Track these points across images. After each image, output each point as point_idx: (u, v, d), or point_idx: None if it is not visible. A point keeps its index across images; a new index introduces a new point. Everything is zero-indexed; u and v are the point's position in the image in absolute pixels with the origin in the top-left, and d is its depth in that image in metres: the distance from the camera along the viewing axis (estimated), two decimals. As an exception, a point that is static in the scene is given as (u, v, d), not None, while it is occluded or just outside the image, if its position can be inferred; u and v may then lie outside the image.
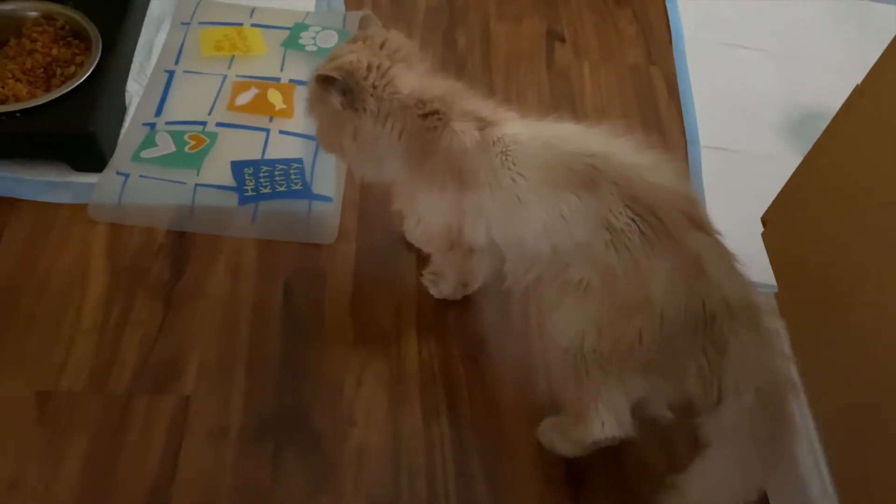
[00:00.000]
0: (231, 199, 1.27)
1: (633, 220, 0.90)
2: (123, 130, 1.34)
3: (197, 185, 1.28)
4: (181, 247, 1.23)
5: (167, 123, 1.35)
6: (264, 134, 1.36)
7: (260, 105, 1.39)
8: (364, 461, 1.06)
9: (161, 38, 1.49)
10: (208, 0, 1.56)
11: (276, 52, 1.49)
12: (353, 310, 1.21)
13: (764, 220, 1.16)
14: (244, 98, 1.40)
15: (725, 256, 0.94)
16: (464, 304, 1.23)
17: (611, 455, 1.09)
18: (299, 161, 1.33)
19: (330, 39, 1.52)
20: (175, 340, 1.13)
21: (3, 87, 1.27)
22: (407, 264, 1.27)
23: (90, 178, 1.27)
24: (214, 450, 1.04)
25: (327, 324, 1.19)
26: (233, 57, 1.47)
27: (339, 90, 1.01)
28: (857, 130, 0.97)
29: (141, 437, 1.04)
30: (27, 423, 1.03)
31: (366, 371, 1.14)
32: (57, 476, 0.99)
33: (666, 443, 1.10)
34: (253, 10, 1.55)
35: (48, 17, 1.37)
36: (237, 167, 1.30)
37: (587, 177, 0.93)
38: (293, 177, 1.31)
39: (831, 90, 1.63)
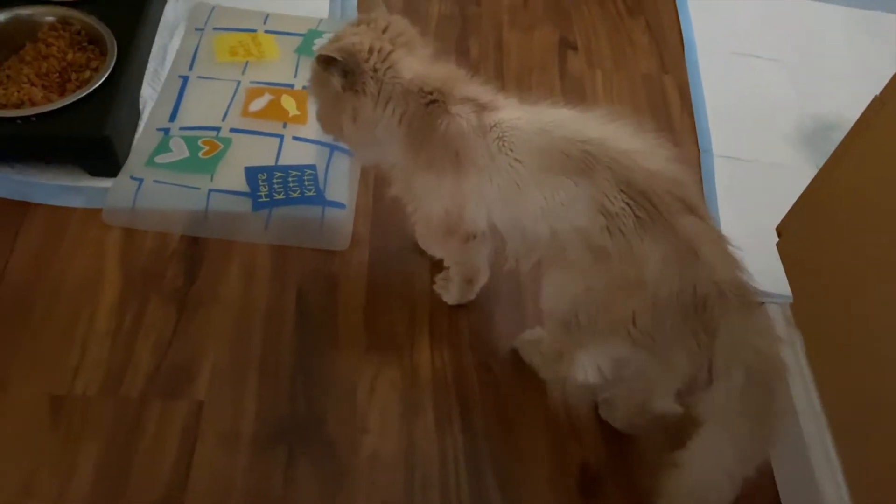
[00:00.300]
0: (245, 205, 1.27)
1: (627, 204, 0.92)
2: (138, 135, 1.35)
3: (211, 190, 1.28)
4: (195, 252, 1.23)
5: (181, 129, 1.36)
6: (278, 140, 1.36)
7: (274, 111, 1.40)
8: (377, 469, 1.06)
9: (175, 43, 1.50)
10: (222, 6, 1.57)
11: (289, 58, 1.49)
12: (366, 316, 1.20)
13: (779, 231, 1.16)
14: (258, 104, 1.40)
15: (717, 239, 0.95)
16: (477, 312, 1.23)
17: (624, 464, 1.09)
18: (313, 167, 1.33)
19: (343, 46, 1.53)
20: (188, 345, 1.13)
21: (18, 91, 1.28)
22: (420, 271, 1.26)
23: (104, 183, 1.27)
24: (227, 455, 1.04)
25: (340, 330, 1.18)
26: (247, 63, 1.47)
27: (339, 71, 1.01)
28: (875, 141, 0.97)
29: (154, 442, 1.04)
30: (41, 428, 1.03)
31: (379, 378, 1.14)
32: (70, 481, 0.99)
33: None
34: (267, 16, 1.56)
35: (64, 23, 1.38)
36: (251, 173, 1.31)
37: (582, 162, 0.94)
38: (307, 183, 1.31)
39: (845, 100, 1.63)
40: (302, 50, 1.51)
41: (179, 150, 1.32)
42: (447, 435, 1.10)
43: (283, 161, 1.33)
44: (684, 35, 1.72)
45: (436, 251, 1.20)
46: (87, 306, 1.15)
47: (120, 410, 1.06)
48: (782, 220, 1.15)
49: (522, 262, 1.05)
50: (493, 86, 1.05)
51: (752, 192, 1.45)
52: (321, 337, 1.17)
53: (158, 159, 1.31)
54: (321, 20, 1.58)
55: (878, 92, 0.98)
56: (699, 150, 1.51)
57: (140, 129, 1.35)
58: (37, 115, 1.23)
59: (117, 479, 1.00)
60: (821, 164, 1.49)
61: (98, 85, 1.27)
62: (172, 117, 1.37)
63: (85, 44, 1.37)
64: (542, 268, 1.04)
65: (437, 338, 1.20)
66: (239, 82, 1.44)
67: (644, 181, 0.93)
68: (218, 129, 1.36)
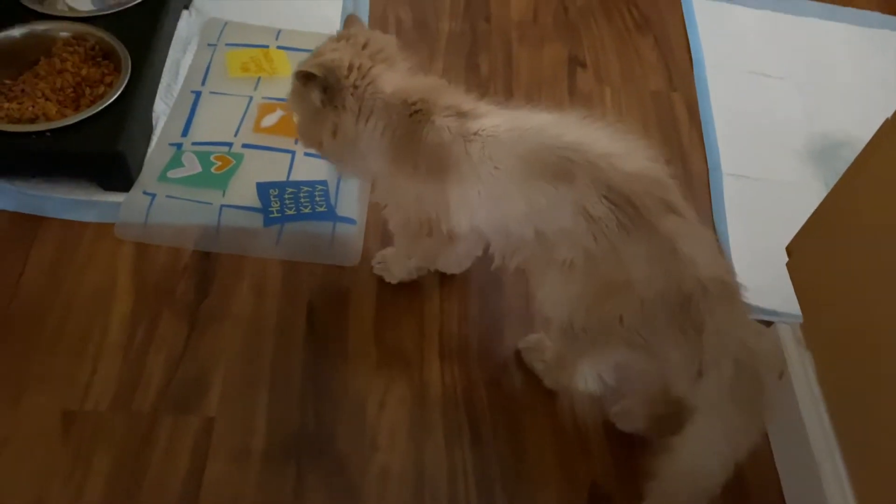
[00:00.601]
0: (256, 221, 1.28)
1: (609, 208, 0.94)
2: (150, 150, 1.35)
3: (223, 205, 1.29)
4: (206, 267, 1.23)
5: (193, 144, 1.37)
6: (290, 156, 1.37)
7: (286, 127, 1.40)
8: (387, 485, 1.06)
9: (188, 58, 1.51)
10: (234, 22, 1.58)
11: (301, 74, 1.50)
12: (376, 332, 1.21)
13: (789, 250, 1.16)
14: (270, 120, 1.41)
15: (699, 236, 0.97)
16: (486, 327, 1.24)
17: (635, 481, 1.08)
18: (324, 183, 1.34)
19: (354, 62, 1.54)
20: (199, 360, 1.14)
21: (33, 106, 1.29)
22: (429, 287, 1.27)
23: (117, 198, 1.28)
24: (237, 471, 1.04)
25: (350, 346, 1.19)
26: (259, 79, 1.48)
27: (319, 87, 1.03)
28: (886, 163, 0.97)
29: (165, 457, 1.04)
30: (52, 442, 1.03)
31: (389, 394, 1.14)
32: (81, 495, 1.00)
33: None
34: (279, 32, 1.57)
35: (79, 38, 1.39)
36: (263, 188, 1.31)
37: (562, 168, 0.96)
38: (318, 199, 1.31)
39: (853, 118, 1.65)
40: (313, 66, 1.52)
41: (192, 166, 1.33)
42: (457, 451, 1.10)
43: (295, 177, 1.34)
44: (693, 52, 1.72)
45: (410, 250, 1.20)
46: (99, 320, 1.16)
47: (131, 425, 1.06)
48: (792, 240, 1.15)
49: (509, 260, 1.08)
50: (474, 94, 1.07)
51: (762, 210, 1.45)
52: (331, 352, 1.18)
53: (171, 174, 1.31)
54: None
55: (886, 110, 0.99)
56: (708, 168, 1.51)
57: (152, 144, 1.36)
58: (52, 130, 1.24)
59: (128, 494, 1.01)
60: (830, 181, 1.50)
61: (112, 100, 1.28)
62: (185, 132, 1.38)
63: (99, 59, 1.39)
64: (532, 269, 1.06)
65: (447, 353, 1.20)
66: (251, 98, 1.45)
67: (624, 184, 0.95)
68: (230, 144, 1.37)
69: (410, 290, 1.26)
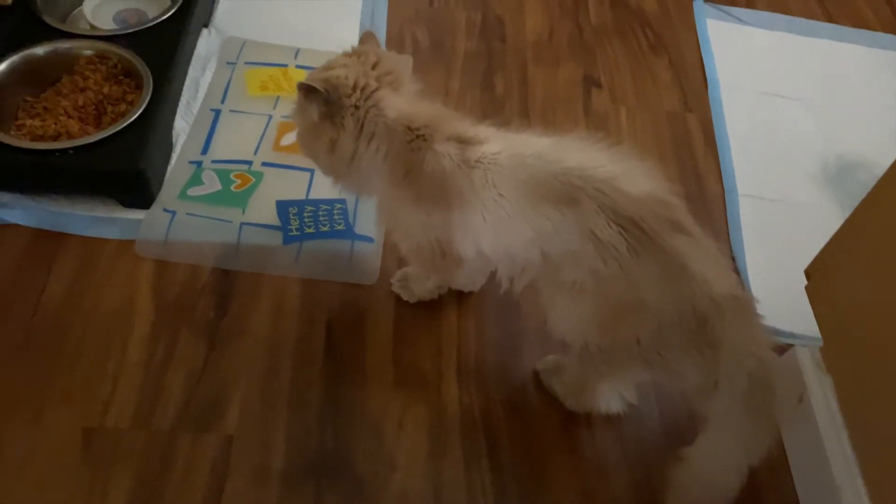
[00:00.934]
0: (276, 238, 1.29)
1: (617, 232, 0.95)
2: (170, 168, 1.36)
3: (243, 223, 1.30)
4: (226, 285, 1.24)
5: (213, 162, 1.38)
6: (308, 174, 1.38)
7: (304, 145, 1.41)
8: (405, 506, 1.06)
9: (207, 76, 1.52)
10: (253, 41, 1.60)
11: (319, 93, 1.52)
12: (394, 351, 1.21)
13: (808, 273, 1.16)
14: (289, 138, 1.42)
15: (708, 253, 0.99)
16: (503, 347, 1.24)
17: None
18: (342, 202, 1.34)
19: (372, 81, 1.55)
20: (219, 379, 1.14)
21: (56, 124, 1.30)
22: (446, 305, 1.27)
23: (137, 215, 1.29)
24: (256, 490, 1.04)
25: (368, 365, 1.19)
26: (278, 98, 1.49)
27: (321, 101, 1.03)
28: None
29: (185, 475, 1.04)
30: (73, 459, 1.04)
31: (407, 414, 1.14)
32: (101, 514, 1.00)
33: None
34: (297, 51, 1.58)
35: (101, 56, 1.40)
36: (282, 207, 1.32)
37: (567, 193, 0.97)
38: (336, 217, 1.32)
39: (868, 140, 1.65)
40: (331, 85, 1.53)
41: (212, 183, 1.34)
42: (475, 473, 1.10)
43: (314, 195, 1.35)
44: (707, 73, 1.73)
45: (426, 272, 1.21)
46: (120, 338, 1.16)
47: (151, 443, 1.06)
48: (811, 263, 1.15)
49: (516, 282, 1.08)
50: (475, 120, 1.08)
51: (778, 232, 1.46)
52: (349, 371, 1.18)
53: (191, 192, 1.32)
54: (350, 55, 1.60)
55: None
56: (723, 189, 1.52)
57: (172, 162, 1.37)
58: (74, 148, 1.25)
59: (148, 513, 1.01)
60: (846, 203, 1.51)
61: (134, 118, 1.29)
62: (205, 150, 1.39)
63: (121, 77, 1.40)
64: (541, 290, 1.06)
65: (464, 373, 1.20)
66: (270, 116, 1.46)
67: (630, 206, 0.96)
68: (250, 162, 1.38)
69: (427, 308, 1.26)
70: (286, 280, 1.26)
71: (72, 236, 1.26)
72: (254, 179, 1.36)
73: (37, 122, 1.31)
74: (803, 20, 1.91)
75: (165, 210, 1.30)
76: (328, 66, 1.06)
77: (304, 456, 1.08)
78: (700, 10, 1.88)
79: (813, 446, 1.09)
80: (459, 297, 1.28)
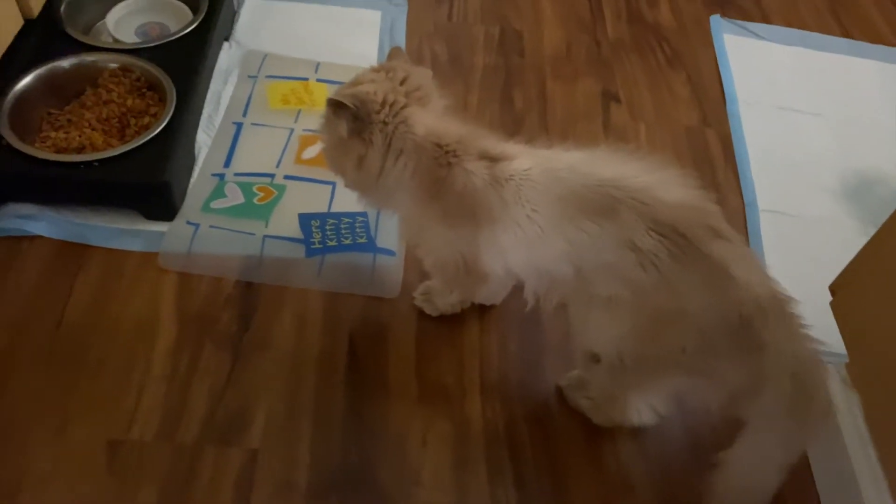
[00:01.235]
0: (298, 251, 1.29)
1: (658, 241, 0.95)
2: (193, 180, 1.37)
3: (265, 236, 1.30)
4: (249, 297, 1.24)
5: (236, 175, 1.38)
6: (330, 187, 1.38)
7: (326, 159, 1.42)
8: (430, 522, 1.05)
9: (229, 90, 1.53)
10: (274, 54, 1.61)
11: (340, 106, 1.52)
12: (417, 366, 1.21)
13: (833, 289, 1.16)
14: (311, 152, 1.43)
15: (747, 258, 1.00)
16: (526, 362, 1.23)
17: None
18: (364, 215, 1.35)
19: (392, 95, 1.56)
20: (242, 392, 1.14)
21: (80, 136, 1.31)
22: (469, 319, 1.27)
23: (161, 227, 1.29)
24: (281, 504, 1.04)
25: (391, 379, 1.19)
26: (299, 111, 1.50)
27: (349, 117, 1.02)
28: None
29: (209, 489, 1.04)
30: (98, 471, 1.04)
31: (430, 429, 1.14)
32: (127, 527, 1.00)
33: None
34: (318, 65, 1.59)
35: (125, 69, 1.41)
36: (304, 220, 1.32)
37: (604, 205, 0.97)
38: (358, 230, 1.32)
39: (887, 156, 1.65)
40: (352, 98, 1.54)
41: (234, 196, 1.34)
42: (500, 489, 1.09)
43: (336, 208, 1.35)
44: (725, 88, 1.73)
45: (450, 287, 1.21)
46: (143, 350, 1.16)
47: (175, 456, 1.06)
48: (836, 279, 1.15)
49: (544, 300, 1.08)
50: (510, 127, 1.08)
51: (798, 247, 1.45)
52: (373, 385, 1.17)
53: (214, 205, 1.33)
54: (370, 69, 1.61)
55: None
56: (744, 204, 1.52)
57: (195, 175, 1.38)
58: (99, 161, 1.25)
59: (173, 527, 1.01)
60: (866, 219, 1.51)
61: (158, 131, 1.30)
62: (227, 163, 1.40)
63: (144, 90, 1.41)
64: (572, 306, 1.06)
65: (487, 388, 1.20)
66: (292, 130, 1.47)
67: (669, 214, 0.96)
68: (272, 175, 1.39)
69: (450, 322, 1.26)
70: (308, 293, 1.26)
71: (96, 248, 1.27)
72: (276, 192, 1.36)
73: (61, 135, 1.31)
74: (819, 35, 1.91)
75: (188, 222, 1.30)
76: (356, 82, 1.06)
77: (328, 470, 1.08)
78: (717, 25, 1.88)
79: (839, 463, 1.09)
80: (481, 310, 1.28)
